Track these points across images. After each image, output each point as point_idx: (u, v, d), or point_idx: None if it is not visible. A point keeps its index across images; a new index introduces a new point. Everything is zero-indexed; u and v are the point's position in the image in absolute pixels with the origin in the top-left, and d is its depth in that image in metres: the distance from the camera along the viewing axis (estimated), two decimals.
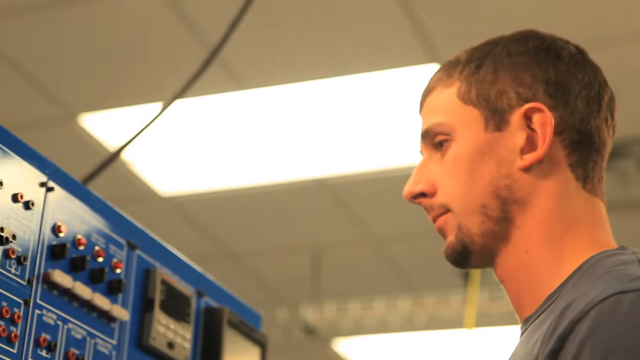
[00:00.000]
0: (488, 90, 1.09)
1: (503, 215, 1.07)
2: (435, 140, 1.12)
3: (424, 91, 1.16)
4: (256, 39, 3.30)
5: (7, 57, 3.45)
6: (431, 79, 1.16)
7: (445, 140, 1.11)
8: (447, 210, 1.09)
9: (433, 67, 3.36)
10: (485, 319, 4.22)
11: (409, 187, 1.12)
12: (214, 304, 1.48)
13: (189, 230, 4.62)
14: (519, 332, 1.06)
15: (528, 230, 1.06)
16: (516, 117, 1.08)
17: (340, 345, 5.53)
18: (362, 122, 3.79)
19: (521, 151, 1.08)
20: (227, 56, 3.32)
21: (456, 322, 4.46)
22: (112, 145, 3.89)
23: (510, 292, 1.08)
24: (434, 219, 1.12)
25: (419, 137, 1.15)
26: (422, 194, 1.11)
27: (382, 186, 4.25)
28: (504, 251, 1.07)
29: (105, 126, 3.83)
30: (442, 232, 1.11)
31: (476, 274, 3.76)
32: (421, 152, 1.15)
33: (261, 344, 1.54)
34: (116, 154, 1.79)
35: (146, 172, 4.17)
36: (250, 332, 1.52)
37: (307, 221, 4.60)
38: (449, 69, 1.13)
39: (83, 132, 3.84)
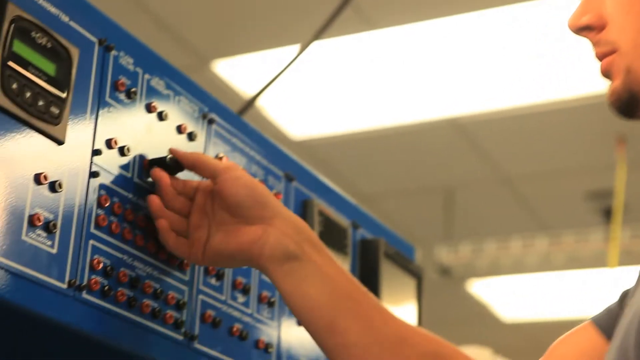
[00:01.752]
0: None
1: None
2: None
3: None
4: None
5: (140, 4, 3.51)
6: None
7: None
8: (614, 49, 0.96)
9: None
10: (627, 258, 4.11)
11: (573, 19, 0.98)
12: (369, 235, 1.47)
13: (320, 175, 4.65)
14: None
15: None
16: None
17: (476, 286, 5.50)
18: (493, 59, 3.70)
19: None
20: None
21: (596, 261, 4.37)
22: (245, 91, 3.92)
23: None
24: (600, 58, 0.98)
25: None
26: (588, 27, 0.98)
27: (514, 124, 4.16)
28: None
29: (238, 72, 3.86)
30: (608, 75, 0.98)
31: (618, 211, 3.65)
32: None
33: (417, 275, 1.53)
34: (254, 98, 1.79)
35: (277, 116, 4.19)
36: (406, 263, 1.51)
37: (439, 161, 4.56)
38: None
39: (216, 79, 3.88)
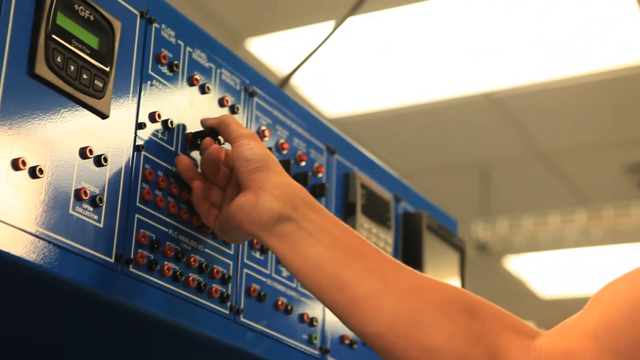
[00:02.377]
0: None
1: None
2: None
3: None
4: None
5: None
6: None
7: None
8: None
9: None
10: None
11: None
12: (411, 209, 1.46)
13: None
14: None
15: None
16: None
17: (513, 262, 5.47)
18: (529, 32, 3.66)
19: None
20: None
21: (636, 236, 4.32)
22: (279, 69, 3.91)
23: None
24: None
25: None
26: None
27: (550, 98, 4.12)
28: None
29: (272, 50, 3.85)
30: None
31: None
32: None
33: (460, 248, 1.52)
34: (292, 73, 1.78)
35: (312, 94, 4.18)
36: (449, 236, 1.49)
37: (474, 137, 4.53)
38: None
39: (250, 57, 3.87)
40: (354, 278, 0.93)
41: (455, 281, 1.50)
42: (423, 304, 0.91)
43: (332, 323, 1.24)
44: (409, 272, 0.95)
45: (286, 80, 1.79)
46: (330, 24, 3.14)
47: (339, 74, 4.05)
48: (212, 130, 1.06)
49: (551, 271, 5.49)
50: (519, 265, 5.49)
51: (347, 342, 1.26)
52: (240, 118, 1.14)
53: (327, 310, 1.23)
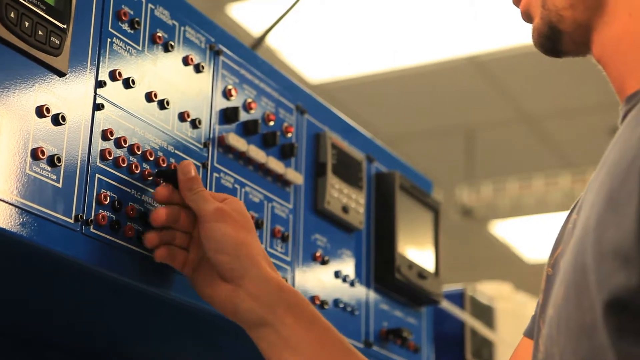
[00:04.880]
0: None
1: None
2: None
3: None
4: None
5: None
6: None
7: None
8: None
9: None
10: None
11: None
12: (384, 169, 1.45)
13: None
14: (621, 115, 0.90)
15: None
16: None
17: (498, 227, 5.47)
18: None
19: None
20: None
21: None
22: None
23: (611, 72, 0.92)
24: (516, 3, 0.98)
25: None
26: None
27: (535, 61, 4.10)
28: (600, 22, 0.90)
29: (253, 15, 3.82)
30: (528, 17, 0.97)
31: None
32: None
33: (434, 208, 1.51)
34: (263, 36, 1.76)
35: (294, 61, 4.15)
36: (423, 196, 1.48)
37: (458, 101, 4.51)
38: None
39: (232, 22, 3.84)
40: None
41: (429, 241, 1.49)
42: None
43: (303, 284, 1.23)
44: None
45: (260, 41, 1.77)
46: None
47: (321, 39, 4.02)
48: (173, 175, 1.02)
49: (536, 235, 5.50)
50: (504, 229, 5.50)
51: (317, 302, 1.25)
52: (206, 77, 1.12)
53: (296, 272, 1.22)
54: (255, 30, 3.87)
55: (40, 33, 0.90)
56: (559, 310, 0.81)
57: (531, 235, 5.52)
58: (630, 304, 0.72)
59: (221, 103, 1.14)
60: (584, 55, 0.95)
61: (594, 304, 0.74)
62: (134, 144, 1.01)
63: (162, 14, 1.08)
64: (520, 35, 3.91)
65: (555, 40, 0.93)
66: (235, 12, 3.80)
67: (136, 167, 1.01)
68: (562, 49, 0.94)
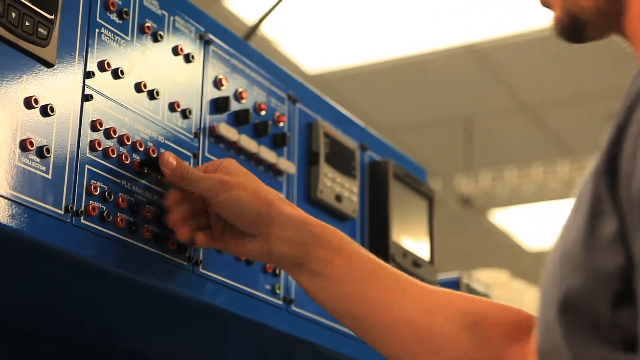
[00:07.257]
0: None
1: None
2: None
3: None
4: None
5: None
6: None
7: None
8: None
9: None
10: None
11: None
12: (377, 157, 1.45)
13: None
14: None
15: None
16: None
17: (497, 215, 5.47)
18: None
19: None
20: None
21: None
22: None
23: None
24: None
25: None
26: None
27: (533, 50, 4.09)
28: (625, 3, 0.87)
29: (248, 5, 3.81)
30: (548, 5, 0.94)
31: None
32: None
33: (428, 196, 1.51)
34: (257, 25, 1.75)
35: (291, 51, 4.15)
36: (417, 184, 1.48)
37: (456, 90, 4.51)
38: None
39: (227, 13, 3.83)
40: (364, 312, 1.02)
41: (423, 230, 1.49)
42: (428, 328, 0.99)
43: None
44: (417, 290, 1.02)
45: (253, 30, 1.77)
46: None
47: (318, 29, 4.02)
48: (156, 163, 1.02)
49: (535, 223, 5.50)
50: (503, 218, 5.50)
51: None
52: (196, 67, 1.12)
53: None
54: (250, 20, 3.87)
55: (27, 24, 0.90)
56: (539, 303, 0.82)
57: (530, 224, 5.52)
58: (577, 304, 0.72)
59: (212, 93, 1.14)
60: (608, 37, 0.93)
61: (553, 301, 0.74)
62: (123, 135, 1.00)
63: (151, 4, 1.07)
64: (517, 23, 3.90)
65: (580, 29, 0.91)
66: (231, 2, 3.79)
67: (126, 157, 1.00)
68: (587, 35, 0.92)
